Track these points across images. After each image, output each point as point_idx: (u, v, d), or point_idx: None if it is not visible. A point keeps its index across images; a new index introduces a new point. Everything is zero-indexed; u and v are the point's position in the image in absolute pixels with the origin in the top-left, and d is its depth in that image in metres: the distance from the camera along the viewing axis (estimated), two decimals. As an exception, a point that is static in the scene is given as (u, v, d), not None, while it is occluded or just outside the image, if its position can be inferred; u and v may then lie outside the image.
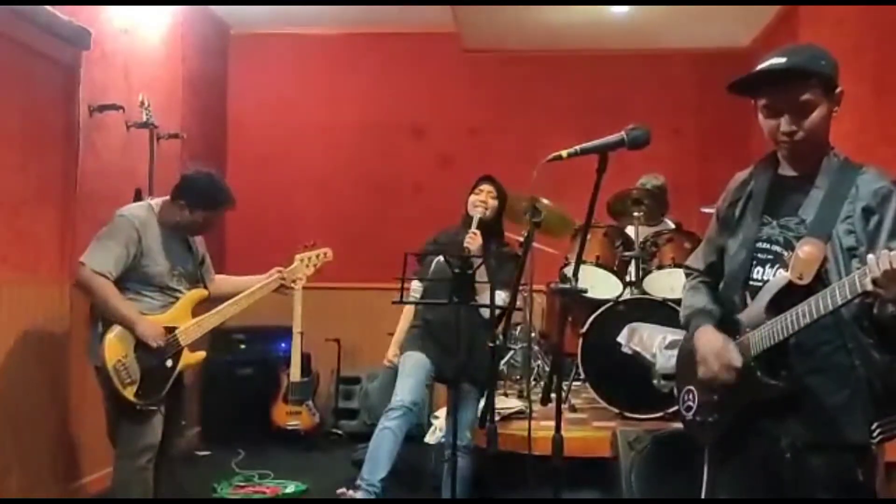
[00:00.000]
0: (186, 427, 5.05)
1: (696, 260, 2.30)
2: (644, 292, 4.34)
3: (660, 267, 4.33)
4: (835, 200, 1.93)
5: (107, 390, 3.26)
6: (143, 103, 4.57)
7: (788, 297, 1.87)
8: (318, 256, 3.80)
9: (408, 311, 3.83)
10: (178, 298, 3.41)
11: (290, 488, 4.53)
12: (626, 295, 4.37)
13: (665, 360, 3.75)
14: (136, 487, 3.29)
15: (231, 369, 5.86)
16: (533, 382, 4.64)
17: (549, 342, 5.17)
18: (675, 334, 3.77)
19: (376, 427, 3.58)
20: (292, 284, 3.74)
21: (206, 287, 3.57)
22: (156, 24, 5.24)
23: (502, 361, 4.91)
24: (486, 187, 3.76)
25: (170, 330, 3.34)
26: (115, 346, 3.20)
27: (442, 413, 3.93)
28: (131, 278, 3.31)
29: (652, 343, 3.89)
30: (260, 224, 6.25)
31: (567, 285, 2.22)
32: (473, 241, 3.53)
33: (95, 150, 4.41)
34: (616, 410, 4.09)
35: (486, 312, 3.31)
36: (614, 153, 2.08)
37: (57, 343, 4.00)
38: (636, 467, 3.48)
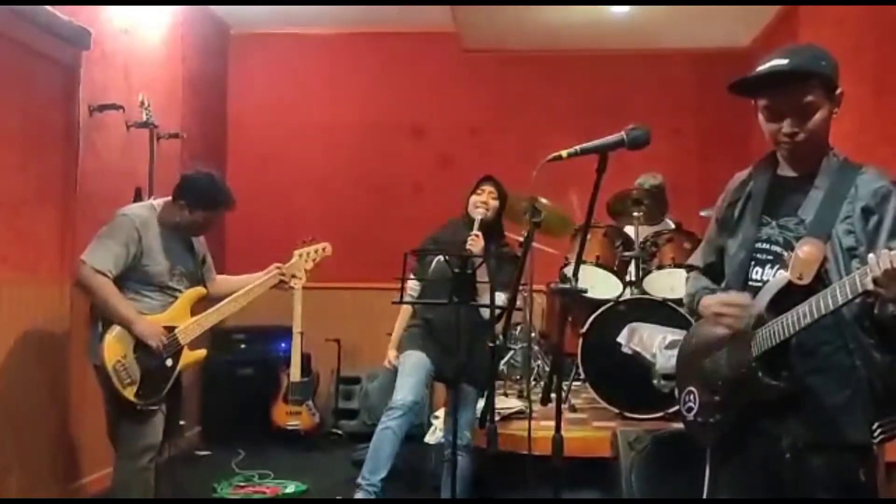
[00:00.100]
0: (186, 427, 5.06)
1: (696, 259, 2.32)
2: (644, 292, 4.34)
3: (660, 267, 4.33)
4: (834, 200, 1.93)
5: (107, 390, 3.26)
6: (143, 103, 4.57)
7: (788, 297, 1.87)
8: (316, 251, 3.79)
9: (405, 310, 3.82)
10: (177, 298, 3.41)
11: (290, 488, 4.52)
12: (626, 295, 4.37)
13: (665, 360, 3.75)
14: (137, 488, 3.29)
15: (231, 369, 5.86)
16: (533, 382, 4.64)
17: (549, 342, 5.17)
18: (675, 334, 3.78)
19: (377, 427, 3.58)
20: (291, 280, 3.73)
21: (206, 287, 3.57)
22: (156, 24, 5.24)
23: (502, 361, 4.91)
24: (487, 188, 3.75)
25: (169, 329, 3.34)
26: (114, 346, 3.20)
27: (442, 413, 3.93)
28: (132, 278, 3.31)
29: (652, 343, 3.89)
30: (260, 224, 6.24)
31: (567, 285, 2.21)
32: (476, 243, 3.52)
33: (95, 150, 4.41)
34: (616, 410, 4.09)
35: (486, 313, 3.31)
36: (614, 153, 2.08)
37: (57, 343, 3.99)
38: (636, 467, 3.48)
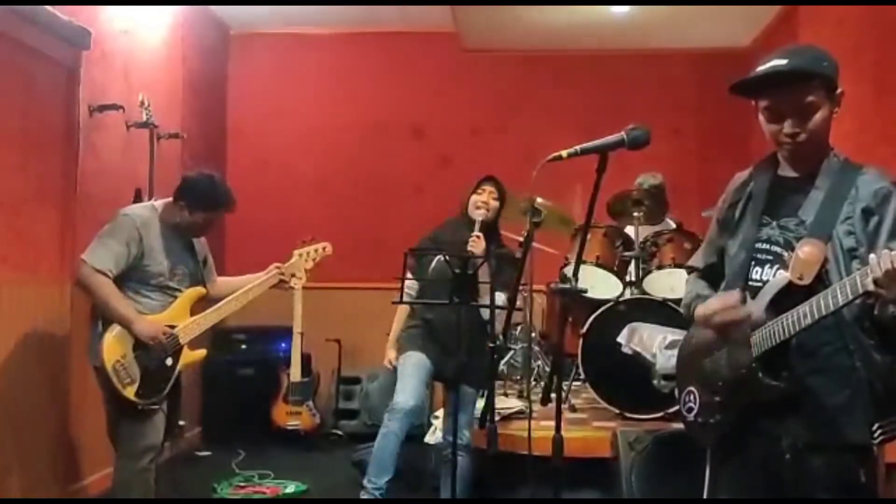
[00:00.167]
0: (187, 427, 5.06)
1: (697, 260, 2.31)
2: (644, 292, 4.34)
3: (660, 267, 4.33)
4: (835, 201, 1.92)
5: (107, 391, 3.26)
6: (143, 103, 4.57)
7: (789, 297, 1.86)
8: (316, 251, 3.80)
9: (402, 309, 3.80)
10: (177, 298, 3.42)
11: (290, 488, 4.53)
12: (626, 295, 4.37)
13: (665, 360, 3.75)
14: (137, 488, 3.29)
15: (231, 369, 5.86)
16: (533, 382, 4.64)
17: (549, 342, 5.17)
18: (675, 334, 3.77)
19: (379, 429, 3.58)
20: (291, 279, 3.73)
21: (206, 288, 3.57)
22: (156, 25, 5.24)
23: (502, 362, 4.91)
24: (488, 187, 3.73)
25: (169, 328, 3.34)
26: (113, 346, 3.20)
27: (441, 413, 3.93)
28: (132, 277, 3.32)
29: (652, 343, 3.89)
30: (259, 223, 6.23)
31: (567, 285, 2.21)
32: (477, 245, 3.52)
33: (95, 150, 4.41)
34: (616, 410, 4.08)
35: (486, 313, 3.31)
36: (614, 153, 2.08)
37: (57, 343, 3.99)
38: (636, 467, 3.48)
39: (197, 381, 5.62)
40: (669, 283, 4.20)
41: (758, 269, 2.02)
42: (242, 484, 4.58)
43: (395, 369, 3.72)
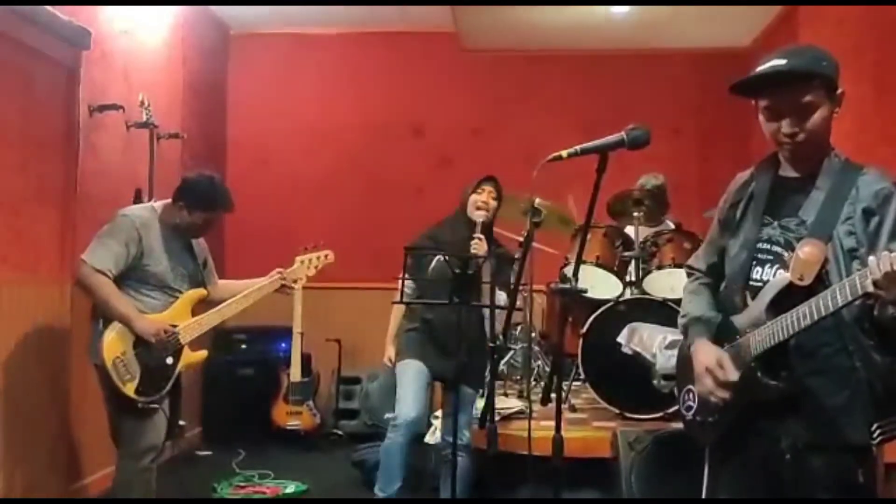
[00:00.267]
0: (187, 427, 5.06)
1: (698, 260, 2.30)
2: (644, 292, 4.34)
3: (660, 267, 4.33)
4: (835, 201, 1.92)
5: (107, 389, 3.26)
6: (143, 103, 4.57)
7: (789, 297, 1.86)
8: (318, 258, 3.83)
9: (398, 307, 3.80)
10: (178, 298, 3.42)
11: (290, 488, 4.53)
12: (626, 295, 4.37)
13: (665, 360, 3.75)
14: (138, 488, 3.30)
15: (232, 369, 5.87)
16: (533, 382, 4.64)
17: (549, 342, 5.17)
18: (675, 334, 3.77)
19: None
20: (293, 284, 3.77)
21: (206, 289, 3.58)
22: (156, 25, 5.24)
23: (502, 362, 4.91)
24: (487, 187, 3.71)
25: (170, 327, 3.35)
26: (114, 342, 3.22)
27: (441, 413, 3.93)
28: (132, 277, 3.33)
29: (652, 343, 3.89)
30: (259, 223, 6.24)
31: (567, 285, 2.21)
32: (480, 246, 3.51)
33: (95, 151, 4.41)
34: (616, 410, 4.08)
35: (488, 313, 3.30)
36: (614, 153, 2.08)
37: (57, 343, 4.00)
38: (636, 467, 3.48)
39: (197, 381, 5.62)
40: (669, 283, 4.20)
41: (758, 269, 2.02)
42: (242, 484, 4.58)
43: (394, 368, 3.72)
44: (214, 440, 5.64)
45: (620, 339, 4.06)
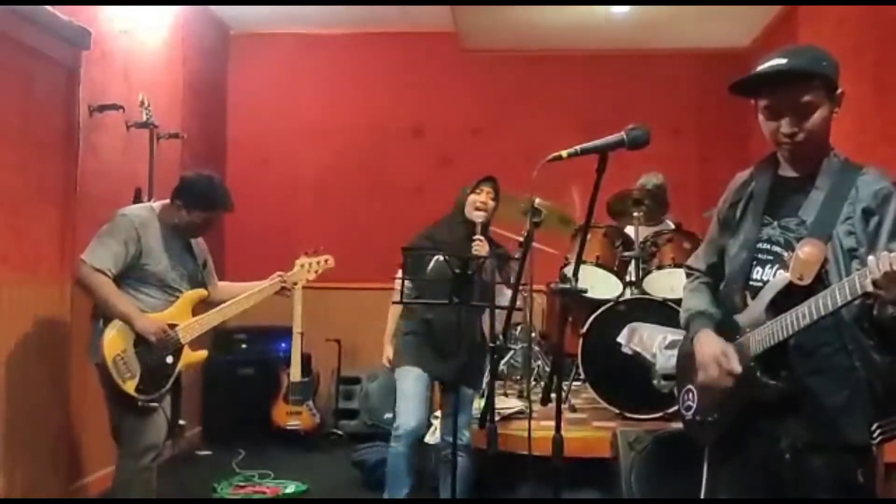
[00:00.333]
0: (187, 427, 5.06)
1: (697, 260, 2.30)
2: (644, 292, 4.34)
3: (660, 267, 4.33)
4: (835, 201, 1.92)
5: (108, 388, 3.27)
6: (143, 103, 4.57)
7: (788, 297, 1.87)
8: (318, 263, 3.86)
9: (396, 307, 3.79)
10: (178, 297, 3.43)
11: (290, 488, 4.53)
12: (626, 295, 4.37)
13: (665, 360, 3.75)
14: (138, 487, 3.30)
15: (232, 369, 5.87)
16: (533, 382, 4.64)
17: (549, 342, 5.17)
18: (675, 334, 3.77)
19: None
20: (293, 287, 3.80)
21: (207, 290, 3.59)
22: (156, 25, 5.24)
23: (502, 362, 4.91)
24: (486, 188, 3.70)
25: (171, 327, 3.36)
26: (114, 340, 3.22)
27: (440, 413, 3.93)
28: (131, 276, 3.33)
29: (652, 343, 3.89)
30: (259, 223, 6.25)
31: (567, 285, 2.21)
32: (483, 248, 3.51)
33: (95, 151, 4.41)
34: (616, 410, 4.08)
35: (486, 313, 3.30)
36: (614, 153, 2.08)
37: (57, 343, 4.00)
38: (636, 467, 3.48)
39: (197, 381, 5.62)
40: (669, 283, 4.20)
41: (758, 269, 2.02)
42: (242, 484, 4.58)
43: (392, 369, 3.72)
44: (214, 440, 5.64)
45: (620, 339, 4.06)
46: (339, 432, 5.77)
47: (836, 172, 1.97)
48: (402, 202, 6.44)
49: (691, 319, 2.16)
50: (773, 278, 1.97)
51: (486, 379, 3.62)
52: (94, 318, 3.32)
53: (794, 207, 2.00)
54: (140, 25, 5.00)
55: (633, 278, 4.41)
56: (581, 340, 4.17)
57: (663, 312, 4.04)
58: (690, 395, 2.14)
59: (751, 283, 2.02)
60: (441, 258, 3.57)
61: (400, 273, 3.69)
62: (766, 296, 1.93)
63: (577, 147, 2.08)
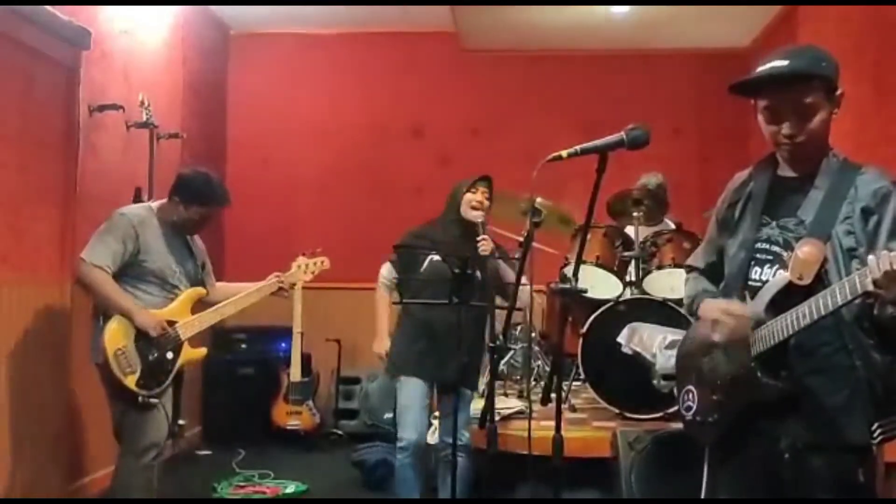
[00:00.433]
0: (187, 427, 5.05)
1: (697, 259, 2.31)
2: (644, 292, 4.34)
3: (660, 267, 4.33)
4: (834, 201, 1.93)
5: (109, 385, 3.27)
6: (143, 103, 4.57)
7: (788, 297, 1.87)
8: (315, 264, 3.90)
9: (385, 299, 3.76)
10: (177, 295, 3.45)
11: (290, 488, 4.53)
12: (626, 295, 4.37)
13: (665, 360, 3.75)
14: (138, 486, 3.31)
15: (232, 369, 5.87)
16: (533, 382, 4.64)
17: (549, 342, 5.17)
18: (675, 334, 3.77)
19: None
20: (290, 288, 3.83)
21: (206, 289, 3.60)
22: (156, 25, 5.24)
23: (502, 362, 4.90)
24: (482, 187, 3.68)
25: (170, 323, 3.37)
26: (115, 335, 3.23)
27: (439, 414, 3.93)
28: (130, 274, 3.35)
29: (652, 343, 3.89)
30: (259, 223, 6.25)
31: (567, 285, 2.21)
32: (487, 247, 3.50)
33: (95, 150, 4.41)
34: (616, 410, 4.08)
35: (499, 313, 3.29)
36: (614, 153, 2.08)
37: (57, 343, 4.00)
38: (636, 467, 3.48)
39: (197, 380, 5.62)
40: (669, 283, 4.20)
41: (757, 269, 2.02)
42: (242, 483, 4.58)
43: (392, 370, 3.72)
44: (214, 440, 5.64)
45: (620, 339, 4.06)
46: (339, 432, 5.76)
47: (835, 172, 1.97)
48: (402, 202, 6.43)
49: (696, 298, 2.19)
50: (772, 278, 1.97)
51: (485, 379, 3.62)
52: (94, 318, 3.33)
53: (793, 207, 2.00)
54: (140, 25, 5.00)
55: (633, 278, 4.41)
56: (581, 340, 4.17)
57: (663, 312, 4.04)
58: (690, 396, 2.14)
59: (750, 283, 2.03)
60: (436, 257, 3.57)
61: (386, 267, 3.70)
62: (766, 296, 1.93)
63: (577, 147, 2.08)
